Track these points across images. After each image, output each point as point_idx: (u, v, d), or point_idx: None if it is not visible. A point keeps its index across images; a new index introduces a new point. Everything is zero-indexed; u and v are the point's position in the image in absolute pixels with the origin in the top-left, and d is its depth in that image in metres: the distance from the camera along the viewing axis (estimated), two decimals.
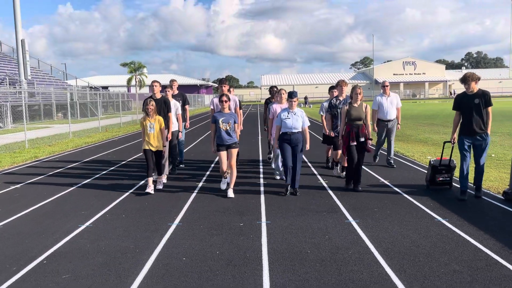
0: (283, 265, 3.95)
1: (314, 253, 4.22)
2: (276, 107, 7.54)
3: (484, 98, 6.07)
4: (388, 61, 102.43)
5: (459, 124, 6.35)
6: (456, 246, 4.35)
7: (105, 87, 62.62)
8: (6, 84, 30.97)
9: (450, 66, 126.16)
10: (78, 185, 7.69)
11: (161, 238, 4.73)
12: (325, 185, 7.36)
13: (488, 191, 6.64)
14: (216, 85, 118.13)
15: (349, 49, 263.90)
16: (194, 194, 6.80)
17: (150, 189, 6.77)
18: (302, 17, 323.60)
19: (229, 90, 7.92)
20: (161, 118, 7.00)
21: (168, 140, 7.62)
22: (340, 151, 7.71)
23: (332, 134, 7.81)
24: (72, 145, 13.95)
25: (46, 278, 3.76)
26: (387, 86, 8.83)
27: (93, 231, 5.03)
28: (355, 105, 6.76)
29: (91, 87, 47.32)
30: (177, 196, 6.69)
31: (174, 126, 8.27)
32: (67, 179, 8.33)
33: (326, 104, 8.23)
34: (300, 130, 6.54)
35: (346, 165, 7.44)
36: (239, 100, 8.22)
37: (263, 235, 4.78)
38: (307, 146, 6.61)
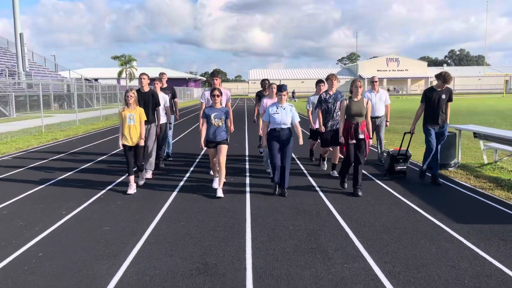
0: (259, 197, 6.15)
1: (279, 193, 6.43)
2: (267, 102, 7.32)
3: (449, 94, 6.89)
4: (374, 57, 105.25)
5: (424, 116, 6.98)
6: (379, 193, 6.49)
7: (96, 79, 63.91)
8: (6, 76, 32.53)
9: (434, 63, 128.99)
10: (108, 154, 9.93)
11: (173, 189, 6.89)
12: (302, 167, 9.56)
13: (416, 162, 8.91)
14: (205, 78, 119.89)
15: (336, 44, 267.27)
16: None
17: (131, 189, 6.41)
18: (289, 12, 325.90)
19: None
20: (142, 110, 6.56)
21: (158, 133, 7.68)
22: (327, 149, 7.79)
23: (323, 129, 7.55)
24: (82, 131, 15.96)
25: (108, 202, 5.93)
26: (376, 82, 8.65)
27: (125, 184, 7.18)
28: (356, 99, 6.34)
29: (85, 79, 48.85)
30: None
31: (162, 119, 8.16)
32: (98, 149, 10.45)
33: (313, 99, 8.24)
34: (289, 126, 6.18)
35: (336, 163, 7.63)
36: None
37: (247, 184, 6.98)
38: (301, 141, 6.15)
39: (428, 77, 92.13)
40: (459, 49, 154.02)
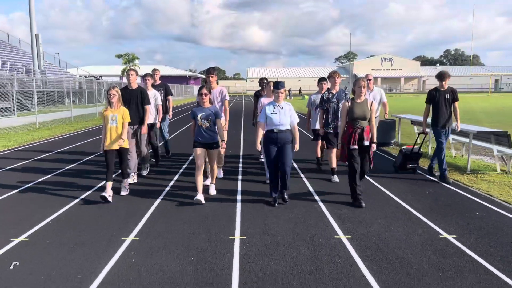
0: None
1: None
2: (265, 101, 6.96)
3: (453, 94, 7.06)
4: (372, 55, 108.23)
5: (431, 117, 7.26)
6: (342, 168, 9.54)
7: (99, 77, 66.80)
8: (23, 73, 35.46)
9: (430, 62, 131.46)
10: None
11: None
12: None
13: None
14: (204, 76, 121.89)
15: (334, 42, 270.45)
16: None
17: (107, 194, 5.85)
18: (287, 10, 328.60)
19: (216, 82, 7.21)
20: (126, 111, 6.07)
21: (143, 133, 7.13)
22: (334, 150, 7.20)
23: (322, 132, 7.18)
24: None
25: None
26: (370, 80, 8.36)
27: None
28: (358, 101, 5.78)
29: (92, 76, 51.82)
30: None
31: (151, 118, 7.71)
32: None
33: (314, 98, 7.92)
34: (288, 127, 5.66)
35: (333, 165, 7.26)
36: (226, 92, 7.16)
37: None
38: (297, 147, 5.72)
39: (421, 76, 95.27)
40: (454, 49, 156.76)
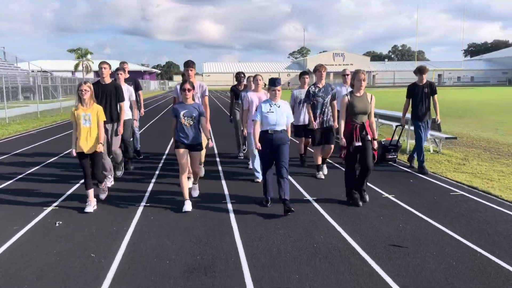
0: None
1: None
2: (252, 96, 6.57)
3: (431, 87, 7.27)
4: (324, 51, 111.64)
5: (411, 110, 7.49)
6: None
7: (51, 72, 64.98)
8: None
9: (379, 57, 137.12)
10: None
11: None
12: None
13: None
14: (159, 71, 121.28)
15: (288, 37, 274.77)
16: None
17: (91, 207, 5.38)
18: (239, 4, 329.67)
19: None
20: (100, 108, 5.47)
21: (120, 133, 6.73)
22: (321, 147, 7.06)
23: (315, 126, 6.89)
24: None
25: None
26: (348, 75, 8.02)
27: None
28: (358, 94, 5.55)
29: (44, 71, 50.55)
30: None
31: (128, 114, 7.35)
32: None
33: (297, 93, 7.62)
34: (284, 127, 5.39)
35: (319, 163, 7.10)
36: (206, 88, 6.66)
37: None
38: (289, 133, 5.47)
39: (371, 71, 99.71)
40: (402, 44, 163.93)
